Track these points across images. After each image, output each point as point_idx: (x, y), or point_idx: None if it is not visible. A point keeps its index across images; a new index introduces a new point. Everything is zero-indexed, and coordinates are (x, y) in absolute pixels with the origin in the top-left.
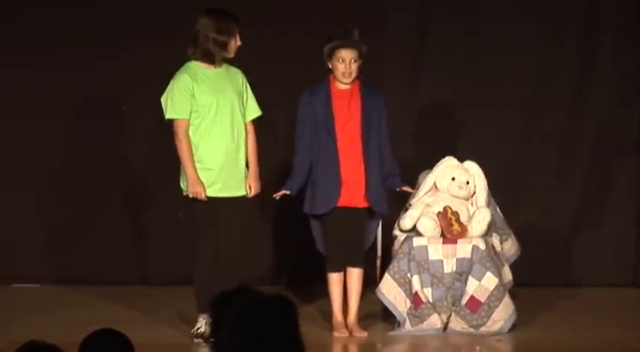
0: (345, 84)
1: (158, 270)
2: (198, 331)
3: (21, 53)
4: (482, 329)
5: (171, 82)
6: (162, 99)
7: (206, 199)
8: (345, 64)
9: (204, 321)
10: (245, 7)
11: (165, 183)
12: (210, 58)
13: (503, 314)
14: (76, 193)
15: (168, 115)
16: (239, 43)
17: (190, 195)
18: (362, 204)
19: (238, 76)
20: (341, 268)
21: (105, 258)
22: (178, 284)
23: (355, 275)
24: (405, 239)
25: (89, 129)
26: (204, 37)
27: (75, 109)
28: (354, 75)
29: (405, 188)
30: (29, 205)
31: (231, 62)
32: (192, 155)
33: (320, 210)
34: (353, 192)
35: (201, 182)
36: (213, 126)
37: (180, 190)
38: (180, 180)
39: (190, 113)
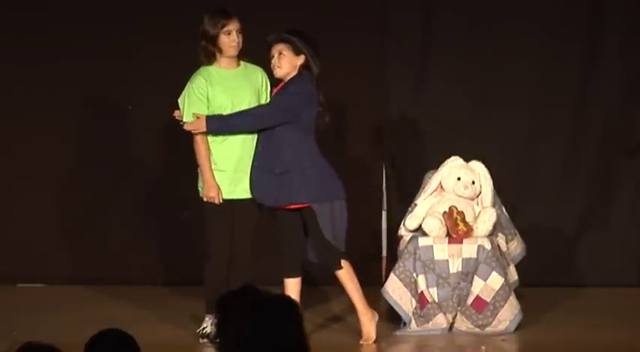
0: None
1: (165, 270)
2: (204, 331)
3: (23, 52)
4: (488, 329)
5: (187, 85)
6: (179, 102)
7: (220, 203)
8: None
9: (210, 321)
10: (248, 7)
11: (174, 183)
12: (208, 56)
13: (508, 314)
14: (83, 193)
15: (185, 119)
16: (236, 39)
17: (205, 199)
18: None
19: (258, 74)
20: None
21: (111, 257)
22: (185, 284)
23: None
24: (410, 239)
25: (99, 129)
26: (200, 34)
27: (85, 109)
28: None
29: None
30: (34, 205)
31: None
32: (209, 159)
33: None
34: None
35: (218, 186)
36: None
37: (197, 191)
38: (199, 180)
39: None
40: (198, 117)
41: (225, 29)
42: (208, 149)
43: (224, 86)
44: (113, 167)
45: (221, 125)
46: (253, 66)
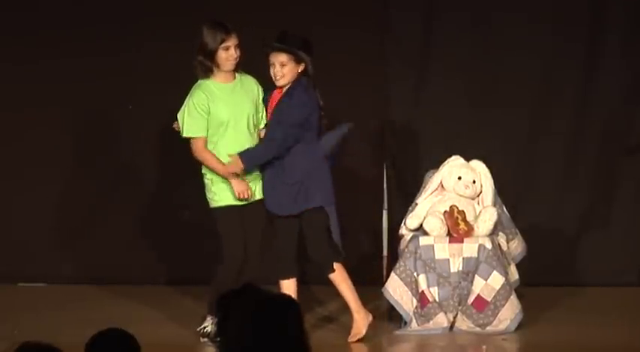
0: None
1: (166, 270)
2: (205, 330)
3: (24, 52)
4: (489, 328)
5: (187, 100)
6: (178, 116)
7: (250, 197)
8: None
9: (211, 321)
10: (248, 8)
11: (175, 183)
12: (205, 70)
13: (509, 314)
14: (84, 192)
15: (185, 134)
16: (234, 54)
17: (239, 197)
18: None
19: (253, 85)
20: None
21: (112, 257)
22: (187, 283)
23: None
24: (411, 238)
25: (100, 128)
26: (197, 47)
27: (86, 108)
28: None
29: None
30: (36, 205)
31: (246, 70)
32: (219, 161)
33: None
34: None
35: (245, 181)
36: (230, 141)
37: (198, 191)
38: (206, 191)
39: (207, 130)
40: (232, 159)
41: (223, 45)
42: (213, 155)
43: (224, 101)
44: (114, 166)
45: (254, 160)
46: (247, 77)
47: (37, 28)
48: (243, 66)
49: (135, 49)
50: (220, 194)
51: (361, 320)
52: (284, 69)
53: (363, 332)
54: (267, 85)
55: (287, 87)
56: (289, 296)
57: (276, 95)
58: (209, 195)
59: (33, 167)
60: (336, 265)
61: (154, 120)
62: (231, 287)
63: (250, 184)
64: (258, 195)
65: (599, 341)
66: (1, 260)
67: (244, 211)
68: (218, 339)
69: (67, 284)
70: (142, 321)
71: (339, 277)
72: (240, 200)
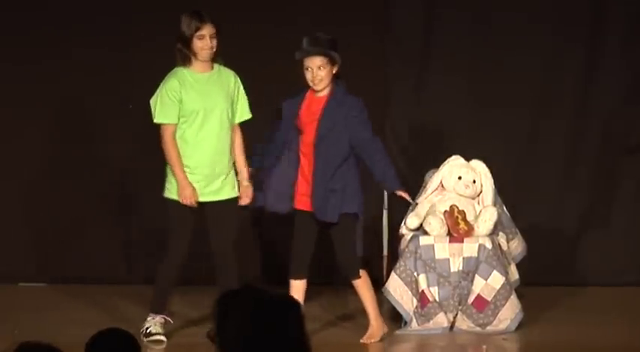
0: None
1: None
2: (148, 330)
3: (24, 52)
4: (489, 328)
5: (160, 86)
6: (151, 102)
7: (196, 205)
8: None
9: (153, 321)
10: (246, 7)
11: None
12: (183, 59)
13: (509, 313)
14: (83, 192)
15: (155, 119)
16: (209, 43)
17: (182, 201)
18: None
19: (230, 78)
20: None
21: (112, 257)
22: (185, 283)
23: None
24: (411, 238)
25: (99, 128)
26: (177, 36)
27: (85, 107)
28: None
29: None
30: (35, 204)
31: (227, 64)
32: (180, 159)
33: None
34: None
35: (192, 187)
36: (199, 132)
37: (163, 190)
38: (166, 181)
39: (178, 118)
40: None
41: (198, 33)
42: (178, 150)
43: (197, 90)
44: (114, 166)
45: (393, 173)
46: (226, 70)
47: (36, 27)
48: (244, 64)
49: (132, 48)
50: (177, 185)
51: (377, 329)
52: (322, 72)
53: (378, 338)
54: (274, 87)
55: (328, 91)
56: (290, 296)
57: (314, 99)
58: (167, 185)
59: (32, 167)
60: (361, 271)
61: (145, 119)
62: (172, 283)
63: (216, 182)
64: (227, 193)
65: (599, 341)
66: (1, 260)
67: (206, 210)
68: (217, 339)
69: (67, 284)
70: (141, 321)
71: (364, 283)
72: (184, 205)
